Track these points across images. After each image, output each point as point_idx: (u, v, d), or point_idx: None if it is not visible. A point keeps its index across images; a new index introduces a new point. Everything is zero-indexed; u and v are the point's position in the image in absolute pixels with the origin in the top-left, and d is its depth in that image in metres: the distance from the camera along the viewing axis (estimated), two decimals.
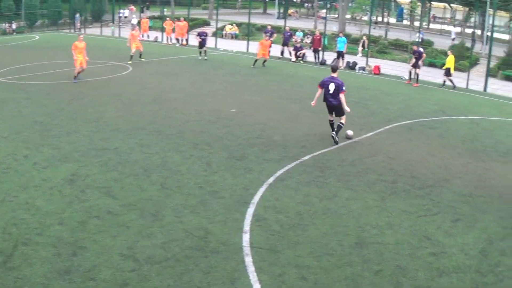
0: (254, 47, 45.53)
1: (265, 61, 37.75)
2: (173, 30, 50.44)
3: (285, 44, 43.37)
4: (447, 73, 35.10)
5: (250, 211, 13.08)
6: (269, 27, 45.10)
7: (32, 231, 11.74)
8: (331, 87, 18.94)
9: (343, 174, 16.12)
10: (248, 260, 10.79)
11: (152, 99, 24.82)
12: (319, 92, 19.42)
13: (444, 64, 36.27)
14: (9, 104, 23.29)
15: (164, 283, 9.83)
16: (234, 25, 59.22)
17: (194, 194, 13.89)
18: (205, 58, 40.05)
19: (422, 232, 12.56)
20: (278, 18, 69.21)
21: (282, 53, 43.33)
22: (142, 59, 37.50)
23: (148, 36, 52.20)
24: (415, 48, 35.97)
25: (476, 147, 20.25)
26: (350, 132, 20.39)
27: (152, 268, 10.33)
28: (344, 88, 18.99)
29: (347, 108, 19.10)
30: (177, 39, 49.47)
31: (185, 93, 26.52)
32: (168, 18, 52.70)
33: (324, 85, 19.19)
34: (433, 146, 19.82)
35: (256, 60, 37.49)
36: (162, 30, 52.35)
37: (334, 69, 19.46)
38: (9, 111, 22.09)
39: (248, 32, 50.97)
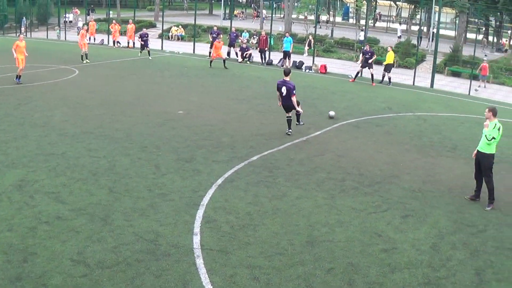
0: (201, 48, 45.62)
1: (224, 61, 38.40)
2: (121, 33, 50.13)
3: (231, 45, 43.46)
4: (387, 68, 35.73)
5: (200, 213, 13.15)
6: (215, 28, 45.13)
7: None
8: (283, 90, 20.12)
9: (292, 174, 16.29)
10: (200, 262, 10.85)
11: (99, 102, 24.64)
12: (278, 94, 20.56)
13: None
14: None
15: (115, 287, 9.85)
16: (180, 26, 59.11)
17: (143, 197, 13.89)
18: (150, 58, 40.68)
19: (373, 229, 12.79)
20: (224, 19, 69.39)
21: (228, 53, 43.43)
22: (86, 61, 37.80)
23: (94, 39, 51.72)
24: (367, 48, 36.12)
25: (424, 143, 20.66)
26: (332, 113, 23.20)
27: (104, 272, 10.31)
28: (294, 91, 20.03)
29: (299, 109, 20.57)
30: (128, 42, 49.15)
31: (132, 96, 26.39)
32: (114, 21, 52.31)
33: (278, 88, 20.37)
34: (381, 143, 20.17)
35: (211, 61, 38.19)
36: (109, 33, 51.92)
37: (287, 72, 20.41)
38: None
39: (194, 33, 50.94)
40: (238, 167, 16.58)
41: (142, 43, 41.82)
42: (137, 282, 10.02)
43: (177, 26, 59.28)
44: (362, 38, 50.47)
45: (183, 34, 58.07)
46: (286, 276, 10.49)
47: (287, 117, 20.71)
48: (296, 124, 21.14)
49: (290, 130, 20.62)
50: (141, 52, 42.14)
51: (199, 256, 11.08)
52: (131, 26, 48.12)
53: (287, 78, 20.19)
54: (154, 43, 49.28)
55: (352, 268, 10.95)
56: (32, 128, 19.99)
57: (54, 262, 10.66)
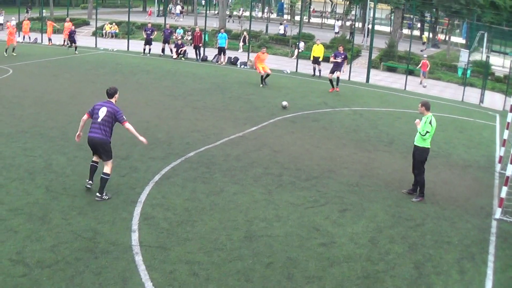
0: (135, 45, 45.23)
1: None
2: (54, 31, 49.39)
3: (165, 41, 43.23)
4: (315, 61, 36.26)
5: (138, 210, 13.14)
6: (149, 25, 44.81)
7: None
8: (101, 113, 13.83)
9: (229, 169, 16.37)
10: (138, 259, 10.87)
11: (34, 101, 24.24)
12: (85, 119, 14.23)
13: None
14: None
15: (56, 287, 9.77)
16: (113, 24, 58.44)
17: (81, 195, 13.78)
18: (76, 52, 41.22)
19: (311, 223, 12.96)
20: (158, 15, 68.91)
21: (163, 50, 43.21)
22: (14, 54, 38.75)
23: (29, 38, 50.71)
24: (341, 49, 32.79)
25: (361, 137, 20.97)
26: (285, 103, 23.65)
27: (43, 272, 10.23)
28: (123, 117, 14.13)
29: (142, 139, 14.29)
30: (64, 40, 48.38)
31: (67, 94, 26.04)
32: (47, 19, 51.37)
33: (93, 110, 13.99)
34: (317, 138, 20.41)
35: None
36: (42, 31, 50.98)
37: (111, 93, 14.34)
38: None
39: (128, 30, 50.51)
40: (174, 164, 16.59)
41: (70, 39, 41.96)
42: (77, 280, 9.97)
43: (111, 23, 58.59)
44: (282, 31, 51.95)
45: (117, 31, 57.45)
46: (225, 271, 10.58)
47: (92, 161, 14.38)
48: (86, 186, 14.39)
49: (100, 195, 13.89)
50: (76, 49, 41.88)
51: (137, 253, 11.08)
52: (68, 24, 47.31)
53: (112, 100, 14.26)
54: (87, 41, 48.72)
55: (291, 263, 11.10)
56: None
57: None
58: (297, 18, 63.22)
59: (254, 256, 11.25)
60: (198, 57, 42.11)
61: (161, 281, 10.12)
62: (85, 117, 14.00)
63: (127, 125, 13.92)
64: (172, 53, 42.62)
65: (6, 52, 39.06)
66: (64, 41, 47.75)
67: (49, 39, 48.85)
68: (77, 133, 14.24)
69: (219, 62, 41.24)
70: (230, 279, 10.34)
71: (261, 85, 30.87)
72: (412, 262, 11.51)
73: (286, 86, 32.16)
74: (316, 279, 10.54)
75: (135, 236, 11.78)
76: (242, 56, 43.08)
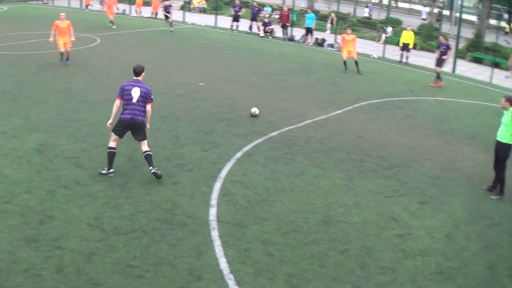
0: (223, 21, 45.31)
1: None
2: (144, 3, 50.01)
3: (253, 19, 43.18)
4: (405, 47, 35.39)
5: (218, 185, 13.10)
6: (237, 1, 44.75)
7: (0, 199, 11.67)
8: (135, 93, 13.40)
9: (311, 152, 16.16)
10: (215, 234, 10.82)
11: (120, 71, 24.56)
12: (118, 102, 13.48)
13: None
14: None
15: (130, 254, 9.84)
16: None
17: (162, 166, 13.82)
18: (171, 29, 40.61)
19: (389, 213, 12.61)
20: None
21: (250, 28, 43.17)
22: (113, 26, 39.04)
23: (117, 8, 51.52)
24: (442, 39, 30.50)
25: (444, 129, 20.36)
26: (254, 110, 19.27)
27: (119, 238, 10.34)
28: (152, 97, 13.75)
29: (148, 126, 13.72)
30: (152, 12, 48.97)
31: (153, 66, 26.25)
32: None
33: (124, 90, 13.47)
34: (401, 126, 19.92)
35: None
36: (130, 2, 51.69)
37: (138, 71, 14.09)
38: None
39: (216, 6, 50.64)
40: (257, 142, 16.49)
41: (166, 14, 41.81)
42: (152, 250, 10.02)
43: None
44: (366, 14, 50.58)
45: (205, 6, 57.75)
46: (299, 254, 10.43)
47: (110, 148, 13.42)
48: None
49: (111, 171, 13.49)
50: (171, 25, 41.64)
51: (214, 228, 11.05)
52: None
53: (140, 78, 13.91)
54: (176, 15, 49.09)
55: (365, 251, 10.83)
56: (53, 94, 20.01)
57: (71, 225, 10.72)
58: (385, 1, 61.89)
59: (329, 242, 11.04)
60: (285, 36, 41.88)
61: (235, 258, 10.05)
62: (118, 102, 13.34)
63: (150, 106, 13.50)
64: (259, 31, 42.52)
65: (112, 24, 40.10)
66: (152, 13, 48.35)
67: (138, 11, 49.48)
68: (110, 121, 13.57)
69: (306, 43, 40.83)
70: (303, 262, 10.18)
71: (345, 72, 30.12)
72: (486, 261, 11.03)
73: (372, 71, 31.49)
74: (389, 270, 10.25)
75: (213, 211, 11.76)
76: (329, 37, 42.58)
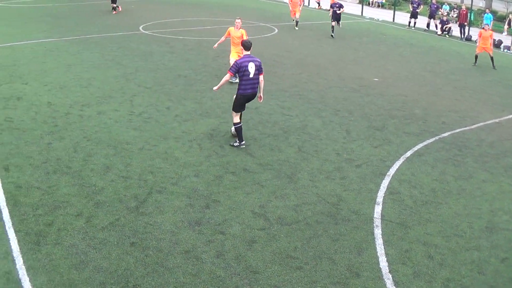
0: (401, 17, 44.45)
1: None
2: None
3: (431, 16, 42.00)
4: None
5: (385, 183, 12.82)
6: None
7: (168, 180, 12.12)
8: (251, 68, 13.96)
9: (481, 155, 15.43)
10: (378, 232, 10.60)
11: (295, 62, 24.76)
12: (229, 77, 14.21)
13: None
14: (154, 56, 24.03)
15: (291, 245, 9.83)
16: None
17: (331, 160, 13.75)
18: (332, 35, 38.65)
19: None
20: None
21: (428, 25, 42.05)
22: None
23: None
24: None
25: None
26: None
27: (282, 228, 10.36)
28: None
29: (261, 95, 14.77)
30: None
31: (328, 59, 26.29)
32: None
33: (241, 67, 13.94)
34: None
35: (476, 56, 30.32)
36: None
37: (248, 46, 14.29)
38: (154, 63, 22.81)
39: (394, 1, 49.84)
40: (428, 142, 15.97)
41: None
42: (313, 243, 9.96)
43: None
44: None
45: (383, 1, 56.99)
46: (460, 259, 9.95)
47: (236, 124, 14.50)
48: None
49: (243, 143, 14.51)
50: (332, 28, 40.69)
51: (378, 226, 10.81)
52: None
53: (249, 53, 14.29)
54: (353, 9, 48.79)
55: None
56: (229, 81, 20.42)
57: (235, 211, 10.89)
58: None
59: (491, 249, 10.44)
60: (462, 36, 40.45)
61: (395, 257, 9.76)
62: (228, 76, 14.08)
63: (262, 77, 14.30)
64: (436, 29, 41.31)
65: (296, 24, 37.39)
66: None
67: (318, 3, 49.67)
68: (215, 87, 14.70)
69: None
70: (463, 268, 9.71)
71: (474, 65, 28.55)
72: None
73: None
74: None
75: (378, 209, 11.51)
76: (505, 39, 40.60)
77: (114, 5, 39.51)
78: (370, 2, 56.52)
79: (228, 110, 16.90)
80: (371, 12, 49.40)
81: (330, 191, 12.10)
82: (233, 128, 14.70)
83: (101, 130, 15.14)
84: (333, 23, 34.13)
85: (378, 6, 56.41)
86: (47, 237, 9.79)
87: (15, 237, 9.77)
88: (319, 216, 10.97)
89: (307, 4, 51.48)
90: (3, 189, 11.57)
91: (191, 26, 33.50)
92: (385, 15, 48.04)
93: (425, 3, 48.40)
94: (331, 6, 34.15)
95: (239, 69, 13.85)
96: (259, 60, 14.12)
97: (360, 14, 47.37)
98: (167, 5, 44.30)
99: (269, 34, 31.97)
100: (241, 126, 14.34)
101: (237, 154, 13.73)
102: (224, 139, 14.69)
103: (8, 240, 9.69)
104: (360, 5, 50.42)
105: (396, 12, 46.95)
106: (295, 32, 34.07)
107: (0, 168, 12.63)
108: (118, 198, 11.28)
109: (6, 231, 9.97)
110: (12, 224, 10.19)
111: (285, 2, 47.31)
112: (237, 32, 19.66)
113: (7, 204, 10.94)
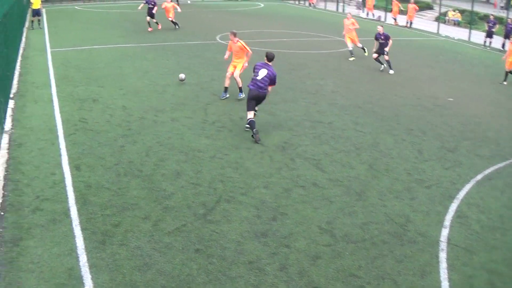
0: (476, 36, 43.50)
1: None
2: (400, 11, 49.55)
3: (507, 36, 40.82)
4: None
5: (454, 206, 12.52)
6: (491, 17, 42.61)
7: (237, 190, 12.21)
8: (261, 72, 15.80)
9: None
10: (442, 256, 10.36)
11: (370, 78, 24.59)
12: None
13: None
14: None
15: (355, 263, 9.73)
16: (456, 11, 56.97)
17: (401, 179, 13.56)
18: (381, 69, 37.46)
19: None
20: (501, 8, 65.76)
21: (503, 45, 40.94)
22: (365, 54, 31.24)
23: (373, 14, 51.65)
24: None
25: None
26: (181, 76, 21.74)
27: (347, 246, 10.26)
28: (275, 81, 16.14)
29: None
30: (407, 21, 48.43)
31: (403, 76, 25.96)
32: None
33: (255, 68, 16.06)
34: None
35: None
36: (386, 9, 51.46)
37: (270, 57, 16.18)
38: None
39: (471, 20, 48.81)
40: (499, 166, 15.49)
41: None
42: (377, 263, 9.82)
43: (454, 10, 57.18)
44: None
45: (460, 19, 55.97)
46: None
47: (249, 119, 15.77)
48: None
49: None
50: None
51: (443, 250, 10.56)
52: (412, 6, 47.20)
53: (270, 64, 16.08)
54: (429, 26, 48.07)
55: None
56: (302, 94, 20.50)
57: (302, 226, 10.86)
58: None
59: None
60: None
61: (458, 283, 9.51)
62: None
63: (271, 88, 16.25)
64: None
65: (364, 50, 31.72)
66: (407, 22, 47.75)
67: (394, 19, 49.15)
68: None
69: None
70: None
71: None
72: None
73: None
74: None
75: (445, 232, 11.24)
76: None
77: (154, 21, 35.63)
78: (446, 20, 55.66)
79: (301, 123, 16.93)
80: (447, 30, 48.59)
81: (398, 211, 11.92)
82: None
83: (174, 136, 15.38)
84: (375, 55, 27.29)
85: (454, 24, 55.47)
86: (113, 237, 10.02)
87: (81, 235, 10.05)
88: (385, 236, 10.82)
89: (383, 20, 50.99)
90: (73, 187, 11.91)
91: (267, 37, 33.64)
92: (461, 33, 47.13)
93: (501, 23, 47.33)
94: (376, 38, 27.32)
95: (254, 68, 16.00)
96: (273, 72, 15.87)
97: (436, 31, 46.65)
98: (244, 16, 44.78)
99: (344, 49, 31.76)
100: (253, 121, 15.57)
101: (307, 168, 13.70)
102: (295, 152, 14.68)
103: (74, 237, 9.97)
104: (436, 23, 49.65)
105: (472, 31, 46.04)
106: (371, 47, 33.71)
107: (72, 166, 12.99)
108: (186, 204, 11.42)
109: (73, 228, 10.27)
110: (80, 222, 10.48)
111: (364, 18, 47.13)
112: (235, 45, 19.44)
113: (76, 203, 11.27)
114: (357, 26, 29.71)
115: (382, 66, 27.00)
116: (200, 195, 11.89)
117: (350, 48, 29.60)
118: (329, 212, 11.51)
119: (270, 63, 16.01)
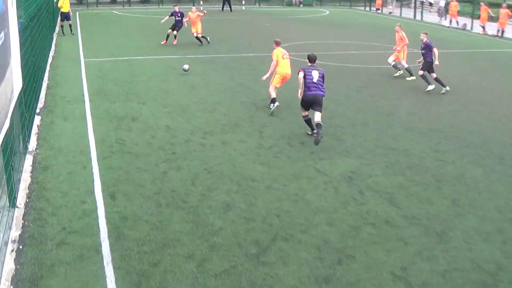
0: None
1: None
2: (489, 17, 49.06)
3: None
4: None
5: None
6: None
7: (296, 227, 12.12)
8: (315, 74, 17.88)
9: None
10: None
11: (454, 98, 24.24)
12: (301, 81, 17.99)
13: None
14: (290, 83, 24.01)
15: None
16: None
17: (491, 218, 13.20)
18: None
19: None
20: None
21: None
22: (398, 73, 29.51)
23: (457, 22, 51.25)
24: None
25: None
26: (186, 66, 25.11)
27: None
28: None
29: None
30: (498, 30, 47.90)
31: (495, 95, 25.52)
32: (481, 3, 51.05)
33: (306, 74, 17.92)
34: None
35: None
36: (473, 16, 50.97)
37: (313, 58, 18.60)
38: (289, 90, 22.87)
39: None
40: None
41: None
42: None
43: None
44: None
45: None
46: None
47: (305, 116, 18.27)
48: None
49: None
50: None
51: None
52: (504, 12, 46.62)
53: (315, 64, 18.43)
54: None
55: None
56: (373, 116, 20.36)
57: (372, 271, 10.65)
58: None
59: None
60: None
61: None
62: (302, 74, 17.80)
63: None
64: None
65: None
66: (498, 31, 47.18)
67: (483, 27, 48.63)
68: (300, 91, 17.97)
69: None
70: None
71: None
72: None
73: None
74: None
75: None
76: None
77: (175, 33, 35.76)
78: None
79: (372, 150, 16.76)
80: None
81: (487, 256, 11.58)
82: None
83: (224, 163, 15.40)
84: (421, 72, 25.23)
85: None
86: (151, 279, 9.98)
87: (113, 275, 10.05)
88: (472, 285, 10.50)
89: (469, 28, 50.50)
90: (106, 219, 11.98)
91: (332, 50, 33.65)
92: None
93: None
94: (423, 55, 25.69)
95: (304, 74, 17.73)
96: (322, 71, 18.05)
97: None
98: (304, 24, 45.06)
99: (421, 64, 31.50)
100: (309, 117, 17.97)
101: (378, 202, 13.52)
102: (365, 184, 14.51)
103: (104, 277, 9.97)
104: None
105: None
106: (454, 62, 33.40)
107: (106, 195, 13.09)
108: (237, 242, 11.36)
109: (104, 267, 10.28)
110: (112, 260, 10.48)
111: (447, 27, 46.73)
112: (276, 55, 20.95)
113: (109, 237, 11.30)
114: (406, 41, 28.39)
115: (429, 86, 25.02)
116: (253, 231, 11.84)
117: (406, 66, 27.98)
118: (404, 255, 11.28)
119: (314, 64, 18.29)
